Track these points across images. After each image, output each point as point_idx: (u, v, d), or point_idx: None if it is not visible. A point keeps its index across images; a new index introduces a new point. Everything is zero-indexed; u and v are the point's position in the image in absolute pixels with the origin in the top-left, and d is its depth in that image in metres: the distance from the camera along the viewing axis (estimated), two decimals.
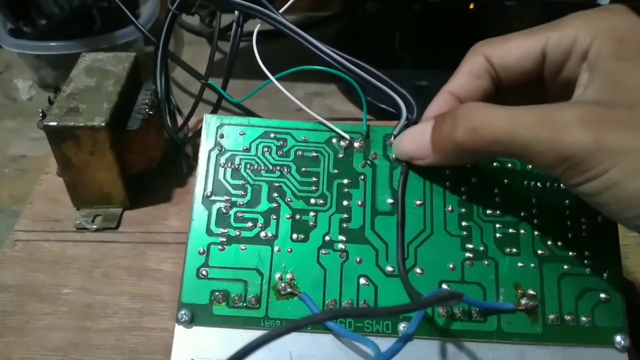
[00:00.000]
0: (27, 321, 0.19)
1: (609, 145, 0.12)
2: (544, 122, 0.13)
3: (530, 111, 0.13)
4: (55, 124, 0.20)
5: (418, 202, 0.17)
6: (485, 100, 0.16)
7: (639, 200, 0.12)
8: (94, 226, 0.22)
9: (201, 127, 0.18)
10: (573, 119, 0.13)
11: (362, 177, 0.17)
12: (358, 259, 0.16)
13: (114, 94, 0.22)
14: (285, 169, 0.17)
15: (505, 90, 0.16)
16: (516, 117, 0.13)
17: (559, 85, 0.15)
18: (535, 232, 0.17)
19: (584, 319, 0.16)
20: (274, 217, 0.17)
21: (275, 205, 0.17)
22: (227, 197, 0.17)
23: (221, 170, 0.17)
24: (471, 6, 0.33)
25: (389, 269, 0.16)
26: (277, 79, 0.18)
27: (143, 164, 0.23)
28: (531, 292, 0.16)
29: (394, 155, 0.17)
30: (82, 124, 0.20)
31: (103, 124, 0.20)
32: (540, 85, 0.16)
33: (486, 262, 0.16)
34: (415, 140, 0.16)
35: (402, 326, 0.16)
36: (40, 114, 0.21)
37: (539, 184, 0.17)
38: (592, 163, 0.12)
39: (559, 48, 0.15)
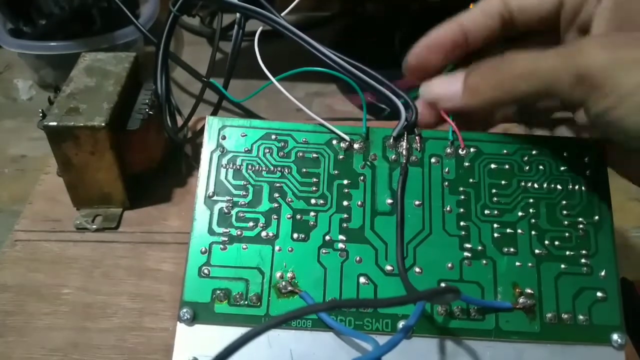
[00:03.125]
0: (27, 321, 0.19)
1: (624, 58, 0.13)
2: (561, 52, 0.14)
3: (551, 49, 0.14)
4: (55, 124, 0.20)
5: (417, 203, 0.17)
6: (491, 43, 0.17)
7: None
8: (94, 226, 0.23)
9: (201, 127, 0.18)
10: (589, 44, 0.14)
11: (361, 177, 0.17)
12: (358, 258, 0.16)
13: (114, 94, 0.22)
14: (286, 170, 0.17)
15: (519, 41, 0.17)
16: (538, 53, 0.14)
17: (574, 37, 0.16)
18: (533, 232, 0.17)
19: (581, 317, 0.16)
20: (275, 217, 0.17)
21: (276, 205, 0.17)
22: (228, 197, 0.17)
23: (223, 170, 0.17)
24: (471, 6, 0.33)
25: (389, 268, 0.16)
26: (277, 80, 0.18)
27: (143, 164, 0.23)
28: (529, 291, 0.16)
29: (393, 156, 0.18)
30: (82, 124, 0.20)
31: (103, 124, 0.20)
32: (554, 37, 0.16)
33: (484, 262, 0.17)
34: (447, 84, 0.17)
35: (401, 324, 0.16)
36: (40, 114, 0.21)
37: (536, 184, 0.17)
38: (609, 77, 0.13)
39: None
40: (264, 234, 0.17)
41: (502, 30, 0.16)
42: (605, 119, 0.14)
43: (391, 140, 0.18)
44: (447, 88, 0.17)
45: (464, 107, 0.16)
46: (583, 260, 0.17)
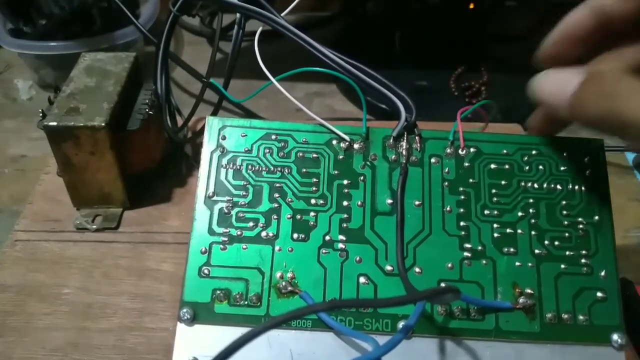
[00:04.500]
0: (27, 321, 0.19)
1: None
2: None
3: None
4: (55, 124, 0.20)
5: (417, 203, 0.17)
6: (629, 24, 0.15)
7: None
8: (94, 226, 0.23)
9: (201, 127, 0.18)
10: None
11: (361, 177, 0.17)
12: (358, 258, 0.16)
13: (114, 94, 0.22)
14: (286, 170, 0.17)
15: None
16: None
17: None
18: (533, 232, 0.17)
19: (581, 317, 0.16)
20: (275, 217, 0.17)
21: (276, 205, 0.17)
22: (228, 198, 0.17)
23: (223, 171, 0.17)
24: (471, 6, 0.33)
25: (389, 268, 0.16)
26: (277, 80, 0.18)
27: (143, 164, 0.23)
28: (529, 291, 0.16)
29: (393, 156, 0.18)
30: (82, 124, 0.20)
31: (103, 124, 0.20)
32: None
33: (484, 262, 0.17)
34: (557, 88, 0.15)
35: (401, 324, 0.16)
36: (40, 114, 0.21)
37: (535, 184, 0.17)
38: None
39: None
40: (264, 234, 0.17)
41: None
42: None
43: (391, 140, 0.18)
44: (555, 95, 0.15)
45: (567, 118, 0.15)
46: (583, 260, 0.17)
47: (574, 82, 0.14)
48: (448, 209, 0.17)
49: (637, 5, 0.15)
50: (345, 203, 0.17)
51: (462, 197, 0.17)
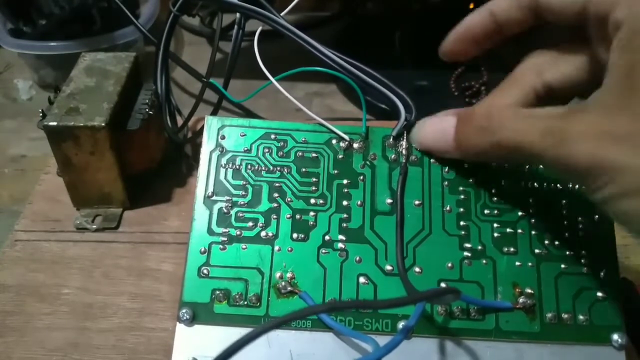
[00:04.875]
0: (27, 321, 0.19)
1: (606, 161, 0.12)
2: (553, 134, 0.13)
3: (543, 121, 0.13)
4: (55, 124, 0.20)
5: (417, 202, 0.17)
6: (522, 30, 0.16)
7: (635, 218, 0.12)
8: (94, 226, 0.23)
9: (201, 127, 0.18)
10: (578, 132, 0.13)
11: (361, 177, 0.17)
12: (358, 258, 0.16)
13: (114, 94, 0.22)
14: (286, 170, 0.17)
15: (554, 28, 0.15)
16: (528, 123, 0.14)
17: (603, 36, 0.14)
18: (533, 232, 0.17)
19: (581, 317, 0.16)
20: (275, 216, 0.17)
21: (275, 205, 0.17)
22: (228, 197, 0.17)
23: (222, 170, 0.17)
24: (471, 6, 0.33)
25: (388, 267, 0.16)
26: (277, 80, 0.18)
27: (143, 164, 0.23)
28: (529, 290, 0.16)
29: (393, 156, 0.18)
30: (82, 124, 0.20)
31: (103, 124, 0.20)
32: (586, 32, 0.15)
33: (484, 261, 0.17)
34: (437, 135, 0.16)
35: (401, 324, 0.16)
36: (40, 114, 0.21)
37: (535, 184, 0.17)
38: (592, 177, 0.12)
39: (601, 4, 0.13)
40: (263, 234, 0.17)
41: (535, 21, 0.15)
42: (605, 208, 0.13)
43: (391, 140, 0.18)
44: (438, 141, 0.16)
45: (456, 157, 0.16)
46: (583, 260, 0.17)
47: (450, 124, 0.16)
48: (448, 208, 0.17)
49: (525, 14, 0.15)
50: (344, 203, 0.17)
51: (462, 196, 0.17)
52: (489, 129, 0.14)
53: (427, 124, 0.17)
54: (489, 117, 0.15)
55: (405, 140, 0.18)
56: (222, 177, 0.17)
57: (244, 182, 0.17)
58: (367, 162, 0.18)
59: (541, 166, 0.17)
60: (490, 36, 0.16)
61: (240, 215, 0.17)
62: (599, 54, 0.14)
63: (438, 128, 0.17)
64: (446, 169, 0.17)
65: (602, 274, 0.16)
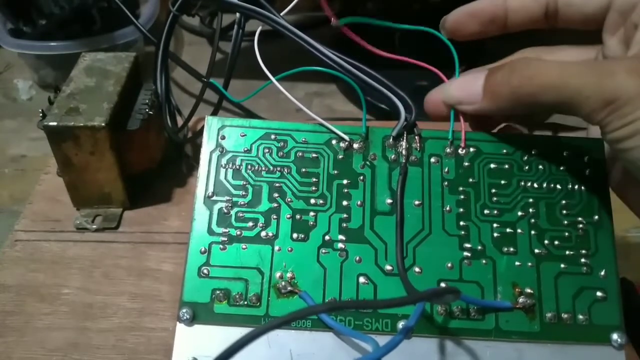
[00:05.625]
0: (27, 321, 0.19)
1: None
2: (593, 70, 0.14)
3: (581, 63, 0.14)
4: (55, 124, 0.20)
5: (417, 202, 0.17)
6: (529, 28, 0.17)
7: None
8: (94, 226, 0.23)
9: (201, 128, 0.18)
10: (620, 68, 0.13)
11: (361, 177, 0.17)
12: (357, 258, 0.16)
13: (114, 94, 0.22)
14: (286, 170, 0.17)
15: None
16: (568, 66, 0.14)
17: (615, 43, 0.16)
18: (533, 232, 0.17)
19: (581, 317, 0.16)
20: (275, 216, 0.17)
21: (275, 205, 0.17)
22: (228, 197, 0.17)
23: (222, 170, 0.17)
24: None
25: (388, 267, 0.16)
26: (277, 80, 0.18)
27: (143, 164, 0.23)
28: (529, 290, 0.16)
29: (393, 156, 0.18)
30: (82, 124, 0.20)
31: (103, 124, 0.20)
32: (596, 38, 0.16)
33: (484, 261, 0.17)
34: (467, 86, 0.17)
35: (401, 324, 0.16)
36: (40, 114, 0.21)
37: (535, 184, 0.17)
38: (632, 107, 0.13)
39: None
40: (263, 234, 0.17)
41: (545, 19, 0.16)
42: (619, 147, 0.14)
43: (391, 140, 0.18)
44: (468, 90, 0.16)
45: (483, 111, 0.16)
46: (583, 260, 0.17)
47: (479, 79, 0.16)
48: (448, 208, 0.17)
49: (541, 5, 0.16)
50: (344, 203, 0.17)
51: (462, 196, 0.17)
52: (525, 69, 0.14)
53: (456, 79, 0.17)
54: (525, 60, 0.15)
55: (405, 140, 0.18)
56: (222, 177, 0.17)
57: (244, 182, 0.17)
58: (367, 162, 0.18)
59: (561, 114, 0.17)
60: (495, 22, 0.17)
61: (241, 215, 0.17)
62: (606, 40, 0.15)
63: (468, 79, 0.17)
64: (446, 169, 0.17)
65: (601, 273, 0.16)
